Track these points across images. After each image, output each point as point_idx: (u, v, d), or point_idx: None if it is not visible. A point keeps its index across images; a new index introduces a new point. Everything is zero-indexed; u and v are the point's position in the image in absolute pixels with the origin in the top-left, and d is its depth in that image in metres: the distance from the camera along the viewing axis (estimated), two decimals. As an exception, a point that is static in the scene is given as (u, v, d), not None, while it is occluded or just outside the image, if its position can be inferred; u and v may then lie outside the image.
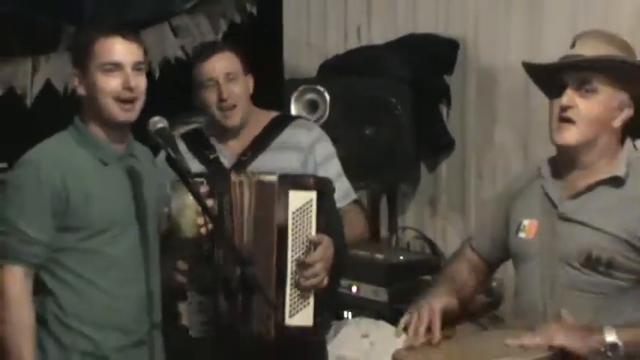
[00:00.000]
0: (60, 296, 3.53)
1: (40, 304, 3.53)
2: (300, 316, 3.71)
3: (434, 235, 5.82)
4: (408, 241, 5.81)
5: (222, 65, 3.98)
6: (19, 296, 3.43)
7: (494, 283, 4.77)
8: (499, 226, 3.52)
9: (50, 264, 3.51)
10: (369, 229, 4.51)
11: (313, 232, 3.72)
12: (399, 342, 3.43)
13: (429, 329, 3.25)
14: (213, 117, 4.00)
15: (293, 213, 3.70)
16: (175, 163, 3.47)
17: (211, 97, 3.96)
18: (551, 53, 3.45)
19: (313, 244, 3.70)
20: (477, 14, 5.65)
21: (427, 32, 5.85)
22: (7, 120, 6.59)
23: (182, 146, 3.93)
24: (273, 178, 3.73)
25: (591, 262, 3.19)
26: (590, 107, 3.22)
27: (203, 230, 3.58)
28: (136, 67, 3.56)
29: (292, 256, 3.70)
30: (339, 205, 4.01)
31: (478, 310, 4.69)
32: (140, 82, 3.56)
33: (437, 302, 3.31)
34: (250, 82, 4.08)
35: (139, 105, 3.56)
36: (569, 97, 3.22)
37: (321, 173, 3.98)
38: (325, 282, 3.73)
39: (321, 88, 5.57)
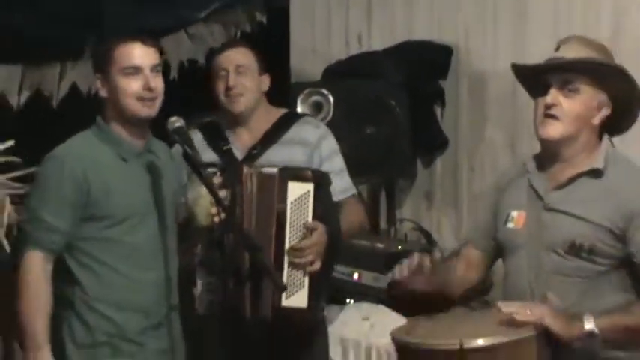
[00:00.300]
0: (84, 281, 3.56)
1: (67, 288, 3.57)
2: (296, 297, 3.73)
3: (429, 227, 5.80)
4: (405, 232, 5.78)
5: (234, 57, 4.02)
6: (37, 279, 3.47)
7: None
8: (491, 219, 3.50)
9: (75, 252, 3.55)
10: (367, 220, 4.50)
11: (310, 220, 3.74)
12: (397, 323, 3.43)
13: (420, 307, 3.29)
14: (222, 105, 4.03)
15: (291, 203, 3.73)
16: (191, 159, 3.54)
17: (221, 85, 4.01)
18: (535, 58, 3.45)
19: (309, 231, 3.72)
20: (468, 24, 5.64)
21: (423, 40, 5.84)
22: (35, 120, 6.58)
23: (198, 136, 4.01)
24: (274, 170, 3.76)
25: (575, 249, 3.20)
26: (573, 105, 3.24)
27: (216, 219, 3.60)
28: (154, 69, 3.61)
29: (289, 242, 3.71)
30: (340, 197, 4.04)
31: (470, 295, 4.68)
32: (158, 83, 3.61)
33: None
34: (265, 81, 4.10)
35: (158, 102, 3.61)
36: (553, 95, 3.24)
37: (326, 167, 3.99)
38: (318, 266, 3.74)
39: (325, 91, 5.56)
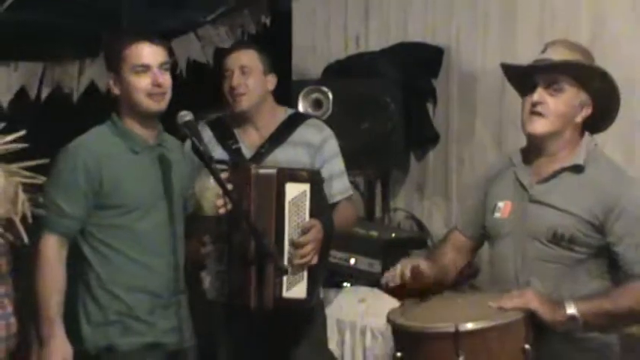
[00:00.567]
0: (96, 265, 3.59)
1: (82, 271, 3.60)
2: (296, 289, 3.73)
3: (421, 215, 5.80)
4: (399, 221, 5.80)
5: (239, 59, 4.00)
6: (53, 261, 3.50)
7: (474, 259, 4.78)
8: (479, 208, 3.51)
9: (88, 237, 3.58)
10: (356, 217, 4.52)
11: (307, 217, 3.74)
12: (391, 305, 3.43)
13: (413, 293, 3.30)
14: (227, 103, 4.03)
15: (289, 202, 3.71)
16: (199, 150, 3.52)
17: (227, 85, 3.99)
18: (521, 59, 3.46)
19: (306, 228, 3.71)
20: (459, 26, 5.63)
21: (416, 41, 5.83)
22: (55, 114, 6.56)
23: (208, 132, 4.02)
24: (273, 171, 3.73)
25: (556, 239, 3.21)
26: (557, 104, 3.25)
27: (221, 210, 3.60)
28: (162, 66, 3.62)
29: (289, 239, 3.70)
30: (337, 198, 4.06)
31: (459, 279, 4.68)
32: (166, 79, 3.63)
33: (411, 260, 3.37)
34: (272, 81, 4.08)
35: (167, 97, 3.62)
36: (539, 94, 3.25)
37: (327, 169, 4.00)
38: (316, 260, 3.74)
39: (325, 89, 5.55)
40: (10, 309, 3.75)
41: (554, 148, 3.30)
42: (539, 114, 3.25)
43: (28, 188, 3.60)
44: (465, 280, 4.81)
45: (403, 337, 3.14)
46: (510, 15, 5.29)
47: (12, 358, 3.68)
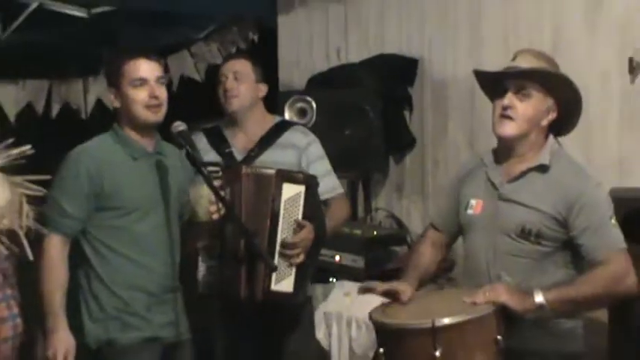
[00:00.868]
0: (96, 263, 3.59)
1: (83, 269, 3.60)
2: (284, 283, 3.71)
3: (400, 214, 5.79)
4: (380, 220, 5.79)
5: (232, 66, 4.05)
6: (56, 258, 3.50)
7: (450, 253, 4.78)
8: (452, 206, 3.51)
9: (89, 237, 3.58)
10: (351, 213, 4.54)
11: (300, 217, 3.72)
12: (374, 298, 3.42)
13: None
14: (221, 104, 4.04)
15: (285, 201, 3.69)
16: (192, 158, 3.52)
17: (221, 88, 4.03)
18: (488, 66, 3.49)
19: (299, 227, 3.70)
20: (431, 39, 5.63)
21: (393, 53, 5.82)
22: (66, 130, 6.55)
23: (203, 139, 4.04)
24: (272, 171, 3.71)
25: (524, 234, 3.22)
26: (526, 108, 3.25)
27: (215, 216, 3.58)
28: (159, 80, 3.63)
29: (281, 236, 3.68)
30: (328, 196, 4.04)
31: (437, 273, 4.68)
32: (162, 92, 3.64)
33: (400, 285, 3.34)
34: (262, 89, 4.11)
35: (163, 109, 3.63)
36: (509, 99, 3.26)
37: (312, 169, 3.98)
38: (303, 258, 3.72)
39: (309, 98, 5.55)
40: (16, 310, 3.73)
41: (522, 150, 3.30)
42: (509, 117, 3.25)
43: (32, 200, 3.59)
44: (442, 273, 4.81)
45: (384, 334, 3.14)
46: (477, 27, 5.30)
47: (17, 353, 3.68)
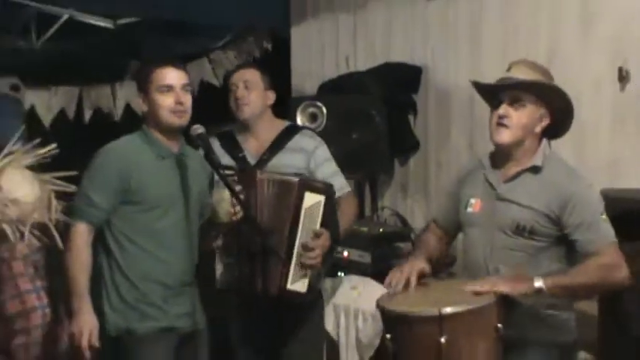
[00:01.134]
0: (118, 255, 3.59)
1: (105, 261, 3.61)
2: (299, 284, 3.73)
3: (405, 213, 5.78)
4: (385, 218, 5.78)
5: (243, 75, 4.03)
6: (81, 245, 3.51)
7: (450, 249, 4.78)
8: (453, 204, 3.51)
9: (112, 229, 3.59)
10: (359, 210, 4.54)
11: (318, 225, 3.73)
12: (380, 291, 3.42)
13: (407, 284, 3.28)
14: (232, 111, 4.03)
15: (305, 209, 3.70)
16: (211, 159, 3.54)
17: (232, 96, 4.02)
18: (487, 76, 3.46)
19: (316, 235, 3.71)
20: (434, 48, 5.63)
21: (398, 62, 5.82)
22: (100, 134, 6.60)
23: (216, 143, 4.00)
24: (295, 180, 3.74)
25: (519, 230, 3.23)
26: (520, 117, 3.26)
27: (234, 218, 3.59)
28: (184, 87, 3.63)
29: (300, 240, 3.69)
30: (337, 195, 4.00)
31: (438, 267, 4.68)
32: (187, 99, 3.63)
33: (416, 264, 3.33)
34: (271, 96, 4.08)
35: (188, 115, 3.63)
36: (504, 109, 3.27)
37: (320, 171, 3.98)
38: (320, 263, 3.75)
39: (320, 104, 5.56)
40: (45, 301, 3.78)
41: (518, 154, 3.31)
42: (505, 125, 3.27)
43: (60, 196, 3.61)
44: (444, 268, 4.81)
45: (392, 321, 3.14)
46: (477, 38, 5.29)
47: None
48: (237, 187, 3.54)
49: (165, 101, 3.58)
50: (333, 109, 5.53)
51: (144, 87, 3.65)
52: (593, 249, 3.13)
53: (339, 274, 5.11)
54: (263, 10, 6.81)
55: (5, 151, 3.54)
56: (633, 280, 3.18)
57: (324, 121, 5.49)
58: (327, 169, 4.05)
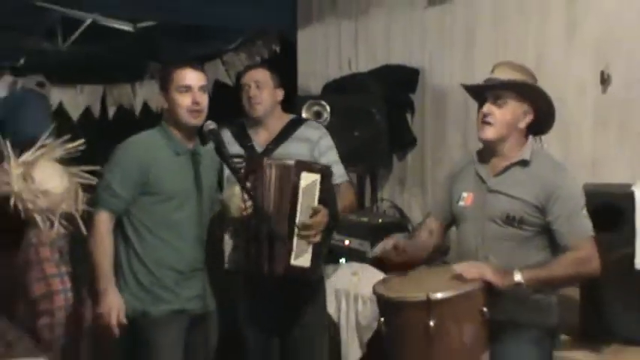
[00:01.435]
0: (136, 243, 3.61)
1: (124, 248, 3.63)
2: (302, 259, 3.72)
3: (402, 205, 5.77)
4: (384, 209, 5.77)
5: (254, 75, 4.04)
6: (104, 231, 3.54)
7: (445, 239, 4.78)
8: (447, 198, 3.52)
9: (131, 218, 3.61)
10: (356, 199, 4.53)
11: (316, 202, 3.73)
12: (378, 277, 3.44)
13: (394, 266, 3.32)
14: (245, 109, 4.05)
15: (303, 188, 3.70)
16: (222, 153, 3.56)
17: (245, 96, 4.03)
18: (480, 78, 3.45)
19: (315, 211, 3.71)
20: (431, 51, 5.61)
21: (397, 64, 5.80)
22: (122, 128, 6.63)
23: (228, 133, 4.03)
24: (291, 162, 3.73)
25: (509, 220, 3.24)
26: (503, 114, 3.28)
27: (244, 213, 3.60)
28: (201, 88, 3.65)
29: (299, 218, 3.69)
30: (336, 182, 4.02)
31: (432, 256, 4.69)
32: (204, 99, 3.66)
33: (394, 238, 3.44)
34: (279, 93, 4.10)
35: (204, 114, 3.65)
36: (488, 107, 3.29)
37: (323, 159, 3.99)
38: (319, 238, 3.74)
39: (324, 102, 5.55)
40: (68, 285, 3.82)
41: (504, 149, 3.32)
42: (489, 123, 3.28)
43: (85, 188, 3.64)
44: (438, 257, 4.81)
45: (385, 305, 3.17)
46: (471, 43, 5.28)
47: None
48: (248, 184, 3.56)
49: (184, 101, 3.60)
50: (336, 107, 5.52)
51: (165, 86, 3.68)
52: (571, 242, 3.15)
53: (340, 260, 5.10)
54: (272, 16, 6.81)
55: (38, 144, 3.59)
56: (610, 266, 3.22)
57: (328, 119, 5.48)
58: (331, 157, 4.07)
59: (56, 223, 3.57)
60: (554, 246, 3.24)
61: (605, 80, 4.45)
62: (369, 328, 4.64)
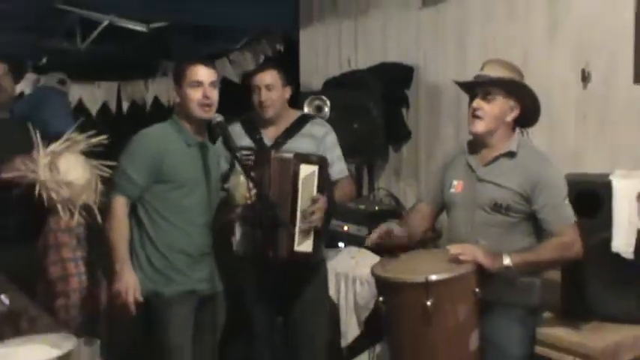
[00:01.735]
0: (149, 228, 3.62)
1: (138, 232, 3.63)
2: (304, 245, 3.75)
3: (398, 194, 5.78)
4: (381, 197, 5.78)
5: (264, 78, 4.00)
6: (121, 215, 3.54)
7: (437, 225, 4.79)
8: (439, 185, 3.55)
9: (145, 204, 3.61)
10: (355, 190, 4.53)
11: (315, 192, 3.75)
12: (374, 260, 3.45)
13: (389, 250, 3.35)
14: (256, 110, 4.03)
15: (302, 179, 3.72)
16: (229, 145, 3.57)
17: (256, 98, 4.00)
18: (471, 75, 3.46)
19: (314, 200, 3.73)
20: (425, 50, 5.61)
21: (393, 61, 5.81)
22: (134, 122, 6.66)
23: (239, 126, 4.05)
24: (290, 155, 3.75)
25: (496, 207, 3.27)
26: (492, 108, 3.30)
27: (249, 201, 3.61)
28: (212, 84, 3.66)
29: (301, 206, 3.71)
30: (337, 177, 4.04)
31: (425, 240, 4.70)
32: (214, 94, 3.66)
33: (388, 225, 3.43)
34: (288, 91, 4.09)
35: (214, 108, 3.65)
36: (477, 102, 3.32)
37: (328, 155, 3.98)
38: (320, 224, 3.76)
39: (325, 98, 5.55)
40: (82, 269, 3.85)
41: (493, 141, 3.34)
42: (478, 117, 3.30)
43: (104, 180, 3.68)
44: (431, 242, 4.83)
45: (384, 286, 3.18)
46: (462, 42, 5.27)
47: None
48: (252, 173, 3.57)
49: (195, 95, 3.61)
50: (336, 102, 5.52)
51: (178, 81, 3.69)
52: (556, 228, 3.17)
53: (339, 245, 5.12)
54: (275, 16, 6.83)
55: (64, 137, 3.63)
56: (589, 250, 3.25)
57: (328, 113, 5.47)
58: (335, 153, 4.07)
59: (76, 214, 3.62)
60: (539, 232, 3.26)
61: (585, 78, 4.45)
62: (366, 307, 4.64)
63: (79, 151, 3.74)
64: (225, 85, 7.02)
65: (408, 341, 3.13)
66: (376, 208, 5.34)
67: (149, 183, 3.58)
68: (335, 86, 5.90)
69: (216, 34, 7.50)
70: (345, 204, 4.40)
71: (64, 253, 3.92)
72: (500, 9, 5.01)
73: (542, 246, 3.20)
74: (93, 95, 8.26)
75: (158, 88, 8.36)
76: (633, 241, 3.37)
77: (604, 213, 3.42)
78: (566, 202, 3.22)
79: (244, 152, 3.79)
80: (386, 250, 3.45)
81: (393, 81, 5.74)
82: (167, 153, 3.60)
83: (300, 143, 4.00)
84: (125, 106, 8.39)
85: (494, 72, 3.31)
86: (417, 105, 5.71)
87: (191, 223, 3.65)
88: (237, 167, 3.62)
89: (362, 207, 5.24)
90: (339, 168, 4.06)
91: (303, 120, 4.14)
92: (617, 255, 3.39)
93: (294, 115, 4.16)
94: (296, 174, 3.71)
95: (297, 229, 3.70)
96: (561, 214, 3.19)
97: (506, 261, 3.10)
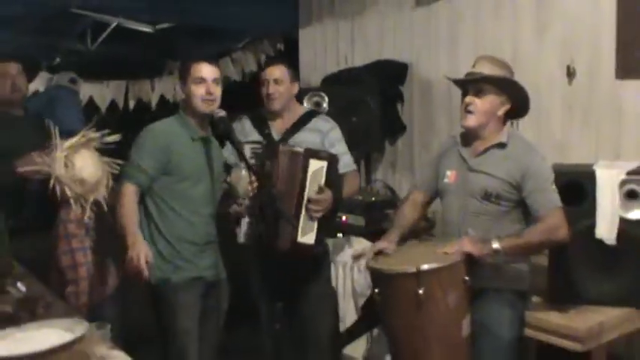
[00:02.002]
0: (157, 218, 3.63)
1: (147, 222, 3.63)
2: (307, 237, 3.75)
3: (393, 185, 5.79)
4: (377, 189, 5.78)
5: (273, 72, 4.01)
6: (130, 200, 3.53)
7: (430, 215, 4.80)
8: (433, 175, 3.57)
9: (153, 195, 3.61)
10: (360, 184, 4.55)
11: (322, 184, 3.74)
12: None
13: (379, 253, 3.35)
14: (264, 102, 4.03)
15: (310, 174, 3.73)
16: (231, 138, 3.62)
17: (264, 90, 4.01)
18: (462, 71, 3.49)
19: (321, 189, 3.73)
20: (418, 47, 5.61)
21: (388, 59, 5.81)
22: (141, 119, 6.66)
23: (248, 121, 4.06)
24: (301, 150, 3.76)
25: (487, 196, 3.29)
26: (483, 104, 3.32)
27: (250, 194, 3.63)
28: (215, 81, 3.67)
29: (307, 197, 3.71)
30: (344, 170, 4.03)
31: (420, 230, 4.73)
32: (217, 90, 3.67)
33: (379, 244, 3.40)
34: (295, 87, 4.10)
35: (216, 104, 3.66)
36: (469, 98, 3.34)
37: (333, 149, 3.99)
38: (321, 215, 3.75)
39: (323, 94, 5.52)
40: (90, 258, 3.85)
41: (484, 134, 3.36)
42: (471, 112, 3.32)
43: (114, 177, 3.70)
44: (424, 231, 4.85)
45: (378, 278, 3.21)
46: (454, 40, 5.27)
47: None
48: (252, 162, 3.60)
49: (198, 91, 3.62)
50: (334, 98, 5.50)
51: (183, 78, 3.71)
52: (542, 213, 3.18)
53: (338, 235, 5.12)
54: (276, 17, 6.83)
55: (80, 133, 3.65)
56: (574, 236, 3.25)
57: (327, 108, 5.44)
58: (340, 148, 4.07)
59: (87, 210, 3.63)
60: (528, 220, 3.28)
61: (570, 74, 4.47)
62: (362, 294, 4.66)
63: (95, 147, 3.76)
64: (227, 84, 7.07)
65: (402, 329, 3.16)
66: (373, 199, 5.34)
67: (157, 174, 3.58)
68: (333, 83, 5.89)
69: (219, 35, 7.49)
70: (353, 197, 4.39)
71: (74, 244, 3.93)
72: (489, 9, 5.01)
73: (529, 230, 3.21)
74: (102, 93, 8.26)
75: (164, 87, 8.36)
76: (616, 228, 3.38)
77: (588, 201, 3.43)
78: (553, 187, 3.23)
79: (253, 146, 3.80)
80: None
81: (388, 77, 5.74)
82: (173, 146, 3.61)
83: (305, 137, 4.00)
84: (132, 104, 8.38)
85: (486, 69, 3.33)
86: (411, 100, 5.71)
87: (196, 213, 3.66)
88: (238, 161, 3.63)
89: (359, 198, 5.22)
90: (344, 162, 4.05)
91: (310, 115, 4.15)
92: (601, 241, 3.40)
93: (301, 110, 4.17)
94: (305, 168, 3.72)
95: (301, 221, 3.71)
96: (548, 199, 3.20)
97: (495, 245, 3.12)
